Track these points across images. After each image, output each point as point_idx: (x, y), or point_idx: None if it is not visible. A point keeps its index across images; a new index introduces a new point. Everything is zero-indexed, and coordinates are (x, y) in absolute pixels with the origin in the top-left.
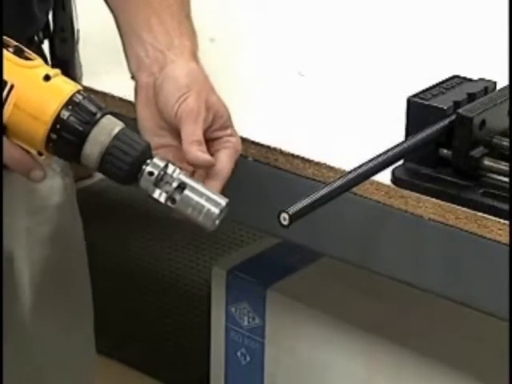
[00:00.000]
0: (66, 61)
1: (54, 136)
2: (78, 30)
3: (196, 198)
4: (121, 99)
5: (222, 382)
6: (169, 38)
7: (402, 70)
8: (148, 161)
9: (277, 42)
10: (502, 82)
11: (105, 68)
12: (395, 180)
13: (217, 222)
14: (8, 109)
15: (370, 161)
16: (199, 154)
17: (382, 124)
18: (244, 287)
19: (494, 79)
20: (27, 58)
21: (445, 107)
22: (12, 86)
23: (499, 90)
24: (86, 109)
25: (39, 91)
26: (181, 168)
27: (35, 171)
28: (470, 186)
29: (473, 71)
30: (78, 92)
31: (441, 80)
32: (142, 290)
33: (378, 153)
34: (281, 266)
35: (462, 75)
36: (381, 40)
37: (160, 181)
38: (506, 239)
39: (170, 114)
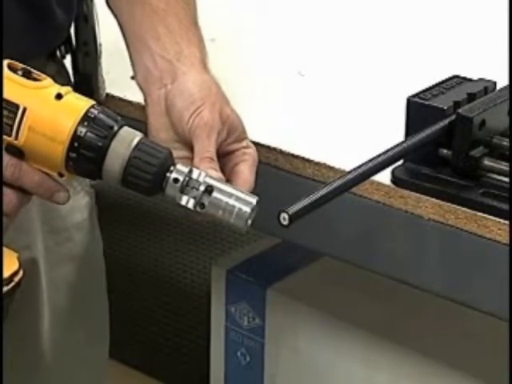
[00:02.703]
0: (88, 75)
1: (73, 155)
2: (100, 44)
3: (225, 199)
4: (120, 99)
5: (221, 381)
6: (177, 48)
7: (401, 70)
8: (171, 168)
9: (277, 42)
10: (501, 82)
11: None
12: (395, 180)
13: (249, 221)
14: (23, 133)
15: (370, 161)
16: (209, 171)
17: (382, 124)
18: (244, 287)
19: (493, 79)
20: (36, 79)
21: (445, 107)
22: (25, 109)
23: (499, 90)
24: (102, 123)
25: (53, 111)
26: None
27: (58, 193)
28: (469, 186)
29: (473, 71)
30: (93, 107)
31: (441, 80)
32: (141, 290)
33: (377, 153)
34: (281, 265)
35: (462, 75)
36: (381, 40)
37: (186, 187)
38: (505, 239)
39: (184, 128)
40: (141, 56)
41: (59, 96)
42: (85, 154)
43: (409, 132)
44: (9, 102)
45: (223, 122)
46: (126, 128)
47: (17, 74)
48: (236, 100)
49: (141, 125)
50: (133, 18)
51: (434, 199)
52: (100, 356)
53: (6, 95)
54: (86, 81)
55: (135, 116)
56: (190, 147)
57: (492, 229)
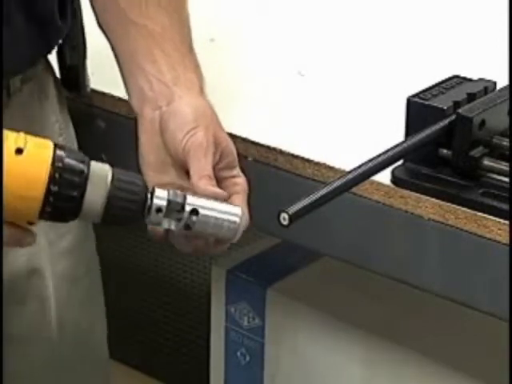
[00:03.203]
0: (75, 69)
1: (48, 209)
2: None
3: (212, 215)
4: (120, 99)
5: (221, 381)
6: (174, 73)
7: (402, 70)
8: (148, 195)
9: (277, 42)
10: (501, 82)
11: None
12: (395, 180)
13: (239, 232)
14: None
15: (370, 161)
16: (209, 187)
17: (382, 124)
18: (244, 287)
19: (493, 79)
20: None
21: (445, 107)
22: None
23: (499, 90)
24: (72, 170)
25: (18, 169)
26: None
27: (25, 240)
28: (469, 186)
29: (473, 71)
30: (55, 152)
31: (441, 80)
32: (141, 290)
33: (377, 153)
34: (281, 265)
35: (462, 75)
36: (381, 40)
37: (169, 211)
38: (505, 239)
39: (178, 148)
40: (135, 78)
41: (19, 151)
42: (61, 207)
43: (409, 132)
44: None
45: (217, 146)
46: (93, 165)
47: None
48: (236, 100)
49: (123, 119)
50: (127, 39)
51: (434, 199)
52: (101, 342)
53: None
54: (73, 75)
55: (118, 111)
56: (180, 172)
57: (492, 229)
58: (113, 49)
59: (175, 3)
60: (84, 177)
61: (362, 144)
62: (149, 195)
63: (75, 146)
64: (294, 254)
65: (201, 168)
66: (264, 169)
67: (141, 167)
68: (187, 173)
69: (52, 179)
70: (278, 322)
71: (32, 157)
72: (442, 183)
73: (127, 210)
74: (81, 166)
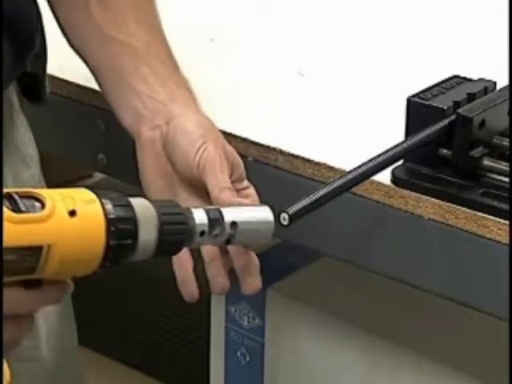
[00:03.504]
0: (37, 77)
1: (106, 263)
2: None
3: (249, 221)
4: None
5: (221, 381)
6: (167, 90)
7: (402, 70)
8: (191, 222)
9: (277, 42)
10: (501, 82)
11: None
12: (395, 180)
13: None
14: (51, 268)
15: (370, 161)
16: (233, 199)
17: (382, 124)
18: None
19: (493, 79)
20: (38, 199)
21: (445, 107)
22: (49, 247)
23: (499, 90)
24: (124, 218)
25: (76, 233)
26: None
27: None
28: (469, 185)
29: (473, 71)
30: (101, 202)
31: (441, 80)
32: (141, 290)
33: (377, 153)
34: (281, 265)
35: (462, 75)
36: (381, 40)
37: (211, 231)
38: (505, 239)
39: (191, 166)
40: (126, 98)
41: (73, 213)
42: (118, 257)
43: (409, 132)
44: (29, 248)
45: (227, 159)
46: (135, 204)
47: (19, 208)
48: (236, 100)
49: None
50: (109, 60)
51: (434, 199)
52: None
53: (24, 242)
54: (35, 83)
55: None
56: (191, 189)
57: (492, 229)
58: (91, 67)
59: (151, 19)
60: (135, 222)
61: (362, 144)
62: (191, 221)
63: (37, 156)
64: (294, 254)
65: (220, 181)
66: (264, 169)
67: (147, 194)
68: (198, 191)
69: (109, 234)
70: (278, 322)
71: (86, 217)
72: (442, 183)
73: (177, 242)
74: (129, 210)
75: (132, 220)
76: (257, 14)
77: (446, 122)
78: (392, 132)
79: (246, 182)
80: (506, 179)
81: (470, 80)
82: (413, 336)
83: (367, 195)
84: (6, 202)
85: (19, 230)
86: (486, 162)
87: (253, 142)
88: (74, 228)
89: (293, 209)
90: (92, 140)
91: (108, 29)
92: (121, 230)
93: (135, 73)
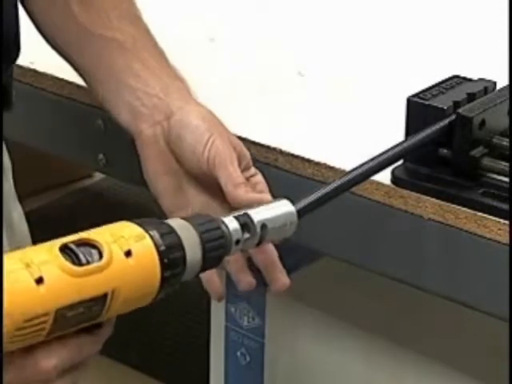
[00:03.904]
0: (5, 87)
1: (161, 294)
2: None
3: (275, 219)
4: None
5: (221, 382)
6: (162, 84)
7: (402, 70)
8: (227, 233)
9: (277, 42)
10: (501, 82)
11: None
12: (395, 180)
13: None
14: (114, 310)
15: (370, 161)
16: (251, 194)
17: (382, 124)
18: None
19: (493, 79)
20: (93, 246)
21: (445, 107)
22: (113, 291)
23: (499, 90)
24: (172, 247)
25: (133, 273)
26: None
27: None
28: (469, 185)
29: (473, 71)
30: (150, 234)
31: (441, 80)
32: None
33: (377, 153)
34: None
35: (462, 75)
36: (381, 40)
37: (244, 237)
38: (505, 239)
39: (200, 160)
40: (121, 96)
41: (129, 253)
42: (171, 286)
43: (409, 132)
44: (95, 298)
45: (233, 150)
46: (176, 228)
47: (80, 261)
48: (236, 100)
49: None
50: (97, 58)
51: (433, 199)
52: None
53: (90, 294)
54: (3, 93)
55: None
56: (199, 185)
57: (492, 229)
58: (77, 67)
59: (132, 12)
60: (182, 248)
61: (362, 144)
62: (227, 233)
63: (11, 167)
64: (294, 254)
65: (232, 175)
66: (264, 169)
67: (154, 193)
68: (206, 185)
69: (163, 266)
70: (278, 322)
71: (141, 255)
72: (442, 183)
73: (219, 256)
74: (174, 237)
75: (180, 246)
76: (256, 13)
77: (446, 121)
78: (392, 132)
79: (253, 170)
80: (506, 179)
81: (469, 80)
82: (412, 335)
83: (367, 195)
84: (65, 255)
85: (84, 283)
86: (486, 161)
87: (253, 142)
88: (132, 268)
89: (300, 204)
90: (92, 140)
91: (91, 26)
92: (172, 260)
93: (126, 68)
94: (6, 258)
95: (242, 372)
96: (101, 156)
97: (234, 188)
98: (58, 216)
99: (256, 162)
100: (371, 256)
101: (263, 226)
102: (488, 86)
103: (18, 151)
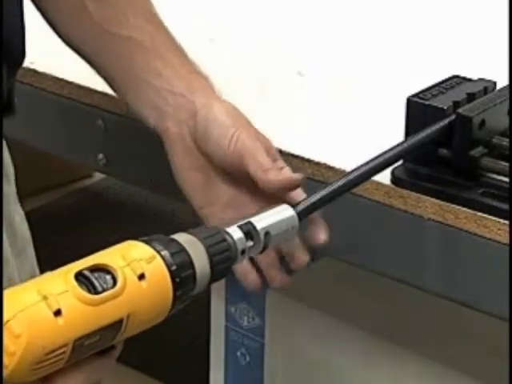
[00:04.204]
0: (10, 93)
1: (173, 311)
2: None
3: (277, 225)
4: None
5: (221, 382)
6: (185, 81)
7: (402, 70)
8: (232, 246)
9: (277, 42)
10: (501, 82)
11: None
12: (395, 180)
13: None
14: (128, 334)
15: (370, 161)
16: (281, 175)
17: (382, 124)
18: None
19: (493, 79)
20: (108, 271)
21: (444, 107)
22: (128, 316)
23: (499, 90)
24: (183, 265)
25: (147, 295)
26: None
27: None
28: (469, 185)
29: (472, 71)
30: (161, 255)
31: (440, 80)
32: None
33: (378, 153)
34: None
35: (462, 75)
36: (381, 40)
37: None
38: (505, 239)
39: (227, 155)
40: (145, 95)
41: (142, 277)
42: (182, 303)
43: (409, 132)
44: (111, 325)
45: (260, 143)
46: (185, 244)
47: (96, 288)
48: (235, 100)
49: (123, 119)
50: (117, 57)
51: (433, 199)
52: None
53: (106, 321)
54: (7, 98)
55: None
56: (228, 178)
57: (492, 229)
58: (98, 68)
59: (148, 9)
60: (192, 266)
61: (362, 144)
62: (233, 244)
63: (13, 172)
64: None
65: (261, 162)
66: None
67: (183, 189)
68: (236, 179)
69: (175, 286)
70: (278, 322)
71: (154, 277)
72: (442, 183)
73: (226, 268)
74: (184, 255)
75: (190, 264)
76: (256, 13)
77: (446, 121)
78: (392, 132)
79: (280, 162)
80: (506, 179)
81: (469, 80)
82: (412, 336)
83: (367, 195)
84: (80, 284)
85: (100, 311)
86: (486, 161)
87: None
88: (146, 291)
89: (300, 207)
90: (92, 140)
91: (109, 26)
92: (183, 278)
93: (148, 67)
94: (24, 290)
95: (242, 372)
96: (101, 156)
97: (265, 173)
98: (58, 216)
99: None
100: (371, 256)
101: (266, 233)
102: (488, 86)
103: (18, 151)
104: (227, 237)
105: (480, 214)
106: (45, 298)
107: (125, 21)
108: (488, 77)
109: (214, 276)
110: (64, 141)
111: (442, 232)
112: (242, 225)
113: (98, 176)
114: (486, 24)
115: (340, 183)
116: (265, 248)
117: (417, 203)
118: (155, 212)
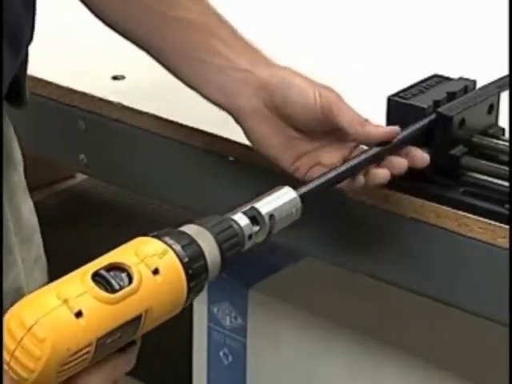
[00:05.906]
0: (19, 80)
1: (188, 302)
2: None
3: (280, 209)
4: (101, 99)
5: (204, 382)
6: (244, 56)
7: (382, 70)
8: (239, 232)
9: (276, 42)
10: (481, 81)
11: None
12: None
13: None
14: (147, 328)
15: (363, 153)
16: (380, 129)
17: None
18: (226, 287)
19: (473, 78)
20: (123, 269)
21: (425, 106)
22: (147, 311)
23: (479, 89)
24: (194, 257)
25: (161, 290)
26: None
27: None
28: (450, 184)
29: (452, 70)
30: (173, 248)
31: (421, 79)
32: None
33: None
34: (263, 265)
35: (442, 74)
36: (361, 40)
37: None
38: (486, 237)
39: (314, 109)
40: (207, 75)
41: (156, 271)
42: (197, 294)
43: None
44: (130, 322)
45: None
46: (196, 236)
47: (113, 287)
48: None
49: (103, 119)
50: (173, 40)
51: (414, 198)
52: None
53: (125, 318)
54: (16, 87)
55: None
56: (311, 137)
57: (473, 227)
58: (154, 52)
59: None
60: (203, 256)
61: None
62: (240, 230)
63: (22, 161)
64: (277, 254)
65: (354, 116)
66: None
67: (272, 158)
68: (320, 137)
69: (189, 278)
70: (260, 322)
71: (168, 271)
72: (423, 182)
73: (235, 254)
74: (194, 246)
75: (201, 255)
76: (256, 13)
77: (426, 121)
78: None
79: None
80: (486, 178)
81: (449, 79)
82: (398, 336)
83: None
84: (97, 284)
85: (119, 309)
86: (466, 160)
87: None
88: (161, 285)
89: (302, 190)
90: (73, 140)
91: (161, 8)
92: (196, 269)
93: (206, 48)
94: (43, 294)
95: (225, 372)
96: (82, 156)
97: (362, 127)
98: (42, 217)
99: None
100: (356, 257)
101: (271, 216)
102: (468, 85)
103: None
104: (233, 224)
105: (461, 212)
106: (65, 301)
107: (175, 2)
108: (468, 76)
109: (225, 263)
110: (45, 142)
111: (422, 231)
112: (246, 210)
113: (81, 177)
114: (466, 22)
115: (341, 169)
116: (270, 231)
117: (398, 202)
118: (138, 211)
